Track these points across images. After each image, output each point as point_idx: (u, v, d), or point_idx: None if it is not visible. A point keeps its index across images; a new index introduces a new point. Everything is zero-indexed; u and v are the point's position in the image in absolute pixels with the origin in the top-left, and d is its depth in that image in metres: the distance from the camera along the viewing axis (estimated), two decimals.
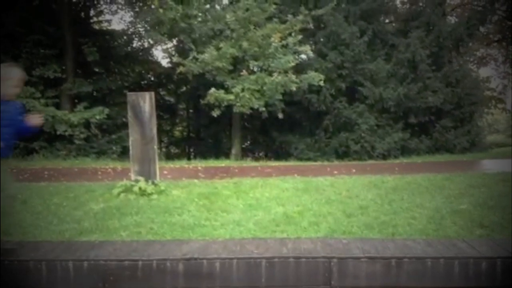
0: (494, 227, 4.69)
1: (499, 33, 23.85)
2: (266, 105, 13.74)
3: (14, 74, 3.94)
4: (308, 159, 14.36)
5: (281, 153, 15.93)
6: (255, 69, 13.84)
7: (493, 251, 3.94)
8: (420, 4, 17.72)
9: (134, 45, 18.60)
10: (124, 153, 13.02)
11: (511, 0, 19.80)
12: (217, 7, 15.08)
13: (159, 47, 18.53)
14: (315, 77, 13.49)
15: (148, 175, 6.87)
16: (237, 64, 13.83)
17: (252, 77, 13.35)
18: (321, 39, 15.84)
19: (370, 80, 14.85)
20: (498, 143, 25.65)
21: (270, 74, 13.32)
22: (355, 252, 3.94)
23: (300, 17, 13.67)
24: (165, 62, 19.29)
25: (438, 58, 15.77)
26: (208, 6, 14.66)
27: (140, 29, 17.94)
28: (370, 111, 14.94)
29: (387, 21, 17.97)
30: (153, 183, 6.80)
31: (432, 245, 4.12)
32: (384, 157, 14.32)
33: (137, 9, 17.12)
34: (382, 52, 15.51)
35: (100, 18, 18.44)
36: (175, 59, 14.51)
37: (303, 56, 15.29)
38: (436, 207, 5.60)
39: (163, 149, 20.93)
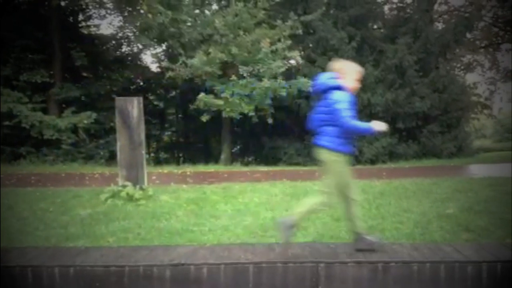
0: (480, 232, 4.73)
1: (486, 39, 24.17)
2: (256, 110, 13.76)
3: (356, 69, 4.00)
4: (297, 164, 14.40)
5: (270, 158, 15.95)
6: (245, 74, 13.86)
7: (479, 255, 3.97)
8: (408, 10, 17.91)
9: (123, 49, 18.57)
10: (112, 158, 12.95)
11: (497, 7, 20.11)
12: (207, 12, 15.10)
13: (148, 52, 18.51)
14: (304, 83, 13.54)
15: (136, 180, 6.84)
16: (226, 69, 13.84)
17: (242, 82, 13.36)
18: (310, 45, 15.93)
19: None
20: (485, 148, 25.95)
21: (260, 79, 13.34)
22: (342, 257, 3.95)
23: (289, 22, 13.73)
24: (154, 67, 19.25)
25: (426, 64, 15.92)
26: (197, 11, 14.66)
27: (129, 34, 17.92)
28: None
29: (375, 27, 18.09)
30: (141, 188, 6.77)
31: (418, 249, 4.15)
32: (372, 162, 14.40)
33: (126, 14, 17.05)
34: (370, 58, 15.62)
35: (88, 23, 18.32)
36: (164, 64, 14.49)
37: (292, 62, 15.35)
38: (423, 211, 5.64)
39: (152, 154, 20.84)
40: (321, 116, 3.95)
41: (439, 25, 20.85)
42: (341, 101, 3.78)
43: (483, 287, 3.83)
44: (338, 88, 3.86)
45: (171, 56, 15.02)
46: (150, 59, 22.43)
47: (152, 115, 18.46)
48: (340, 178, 3.93)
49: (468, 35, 19.40)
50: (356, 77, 3.98)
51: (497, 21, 22.74)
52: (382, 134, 3.92)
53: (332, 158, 3.89)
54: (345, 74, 3.93)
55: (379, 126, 3.87)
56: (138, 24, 15.32)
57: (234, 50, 13.17)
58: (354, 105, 3.93)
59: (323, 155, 3.93)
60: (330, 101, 3.83)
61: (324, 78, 3.96)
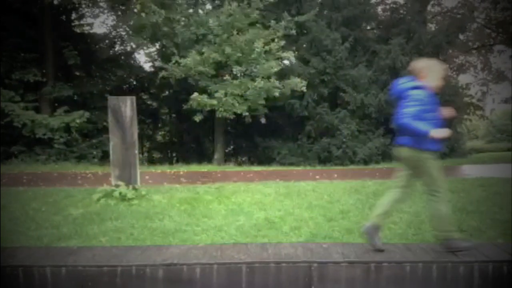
0: (473, 232, 4.75)
1: (478, 40, 24.29)
2: (249, 110, 13.76)
3: (440, 67, 3.97)
4: (291, 164, 14.41)
5: (264, 158, 15.95)
6: (238, 74, 13.86)
7: (470, 255, 3.99)
8: (401, 11, 17.98)
9: (116, 49, 18.49)
10: (105, 158, 12.89)
11: (489, 9, 20.22)
12: (200, 12, 15.09)
13: (141, 51, 18.44)
14: (298, 83, 13.57)
15: (128, 180, 6.80)
16: (220, 69, 13.83)
17: (235, 82, 13.36)
18: (304, 45, 15.96)
19: (351, 86, 14.98)
20: (477, 149, 26.12)
21: (253, 79, 13.34)
22: (335, 257, 3.95)
23: (283, 23, 13.76)
24: (147, 66, 19.20)
25: None
26: (191, 10, 14.64)
27: (122, 33, 17.84)
28: (352, 117, 15.07)
29: (368, 28, 18.16)
30: (133, 188, 6.74)
31: (411, 249, 4.16)
32: (365, 162, 14.44)
33: (119, 13, 16.98)
34: (363, 59, 15.67)
35: (81, 22, 18.23)
36: (157, 63, 14.45)
37: (286, 62, 15.36)
38: (415, 211, 5.66)
39: (145, 154, 20.78)
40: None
41: (432, 26, 20.95)
42: (412, 99, 3.75)
43: (475, 287, 3.85)
44: (417, 88, 3.83)
45: (165, 56, 14.98)
46: (144, 59, 22.36)
47: (145, 114, 18.42)
48: (436, 172, 3.91)
49: (461, 37, 19.51)
50: (441, 75, 3.96)
51: (489, 22, 22.86)
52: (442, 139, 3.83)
53: (419, 156, 3.85)
54: (428, 73, 3.90)
55: (438, 133, 3.73)
56: (131, 23, 15.27)
57: (228, 50, 13.17)
58: (435, 104, 3.89)
59: (405, 154, 3.92)
60: (406, 99, 3.81)
61: (402, 84, 3.94)
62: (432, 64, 4.00)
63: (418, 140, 3.80)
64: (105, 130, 12.87)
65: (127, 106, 6.87)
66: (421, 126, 3.71)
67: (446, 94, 15.80)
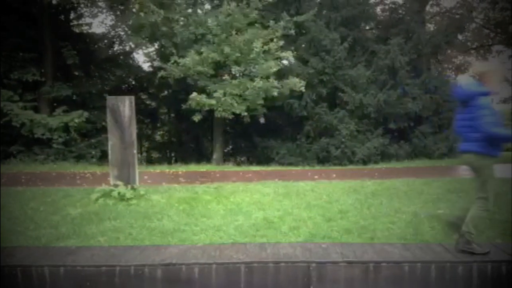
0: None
1: (477, 41, 24.34)
2: (248, 110, 13.74)
3: (502, 71, 3.99)
4: (290, 164, 14.40)
5: (262, 158, 15.94)
6: (237, 74, 13.85)
7: (469, 255, 4.00)
8: (400, 11, 17.99)
9: (115, 48, 18.46)
10: (103, 158, 12.87)
11: (488, 9, 20.24)
12: (199, 11, 15.08)
13: (140, 51, 18.41)
14: (297, 83, 13.56)
15: (127, 179, 6.80)
16: (218, 68, 13.82)
17: (234, 82, 13.35)
18: (303, 45, 15.94)
19: (350, 86, 14.97)
20: None
21: (252, 79, 13.33)
22: (334, 257, 3.96)
23: (282, 23, 13.74)
24: (146, 66, 19.17)
25: (417, 65, 15.99)
26: (190, 10, 14.63)
27: (121, 33, 17.82)
28: (351, 117, 15.06)
29: (367, 28, 18.16)
30: (132, 188, 6.74)
31: (409, 249, 4.17)
32: (364, 162, 14.44)
33: (118, 13, 16.96)
34: (362, 59, 15.66)
35: (80, 21, 18.19)
36: (156, 63, 14.42)
37: (285, 62, 15.35)
38: (414, 212, 5.67)
39: (144, 154, 20.76)
40: (466, 123, 3.90)
41: (431, 27, 20.98)
42: (486, 108, 3.75)
43: (474, 287, 3.85)
44: (484, 94, 3.80)
45: (164, 56, 14.96)
46: (142, 58, 22.37)
47: (144, 114, 18.39)
48: (491, 180, 3.97)
49: (460, 37, 19.54)
50: (501, 78, 3.97)
51: (488, 23, 22.89)
52: None
53: (483, 162, 3.89)
54: (492, 77, 3.87)
55: None
56: (130, 22, 15.25)
57: (227, 49, 13.16)
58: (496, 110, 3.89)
59: (471, 160, 3.94)
60: (475, 107, 3.79)
61: (469, 86, 3.89)
62: (495, 68, 4.00)
63: (486, 145, 3.82)
64: (104, 130, 12.86)
65: (125, 106, 6.87)
66: (503, 131, 3.76)
67: (445, 94, 15.87)
